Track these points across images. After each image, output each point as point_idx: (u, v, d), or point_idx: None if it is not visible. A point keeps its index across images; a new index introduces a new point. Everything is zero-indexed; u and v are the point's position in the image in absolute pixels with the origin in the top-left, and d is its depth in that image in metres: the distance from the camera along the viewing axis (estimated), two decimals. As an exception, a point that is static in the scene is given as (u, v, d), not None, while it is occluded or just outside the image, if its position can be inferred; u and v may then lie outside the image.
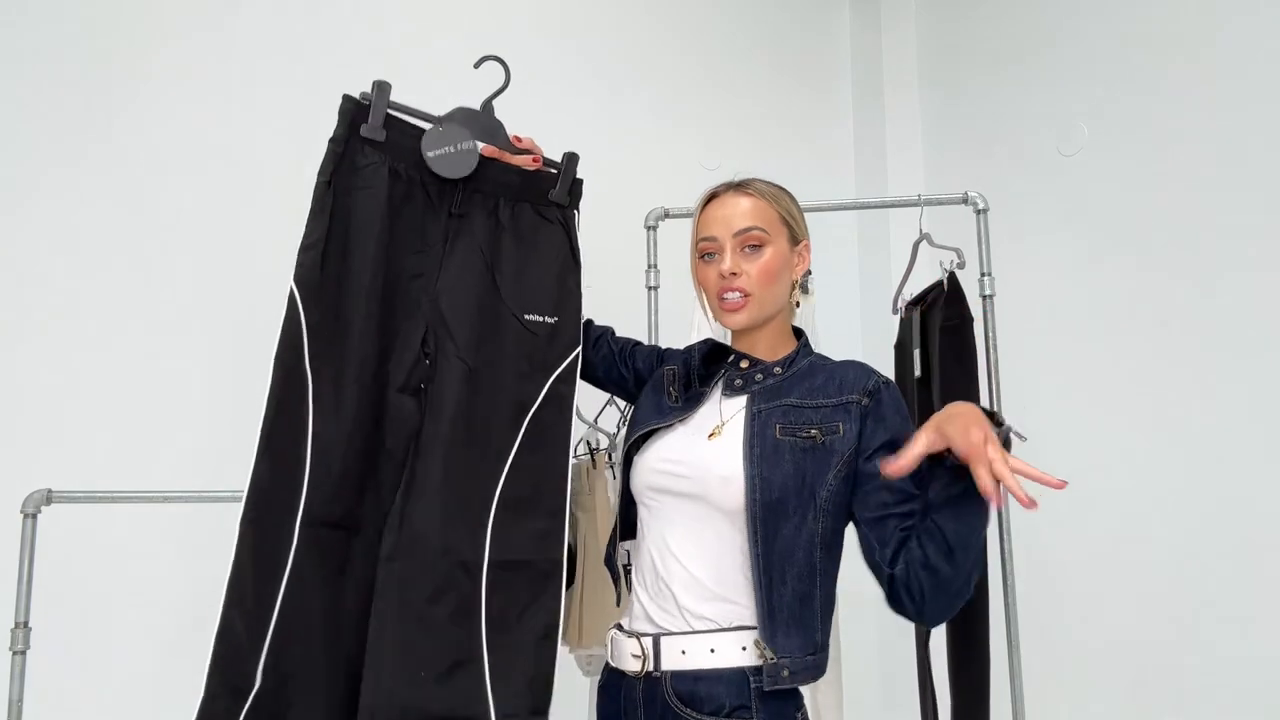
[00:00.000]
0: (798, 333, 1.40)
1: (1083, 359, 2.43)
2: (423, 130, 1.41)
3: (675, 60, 2.92)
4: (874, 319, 2.14)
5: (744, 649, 1.20)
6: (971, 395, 1.76)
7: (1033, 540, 2.17)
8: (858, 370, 1.29)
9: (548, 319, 1.40)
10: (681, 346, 1.52)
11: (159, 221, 2.26)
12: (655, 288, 1.97)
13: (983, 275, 1.84)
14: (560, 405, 1.39)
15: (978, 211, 1.87)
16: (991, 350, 1.80)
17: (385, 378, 1.31)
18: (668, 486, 1.28)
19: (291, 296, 1.30)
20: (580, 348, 1.43)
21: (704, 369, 1.42)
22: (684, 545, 1.25)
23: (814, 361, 1.34)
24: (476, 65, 1.50)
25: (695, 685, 1.20)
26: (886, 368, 2.03)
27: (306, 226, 1.33)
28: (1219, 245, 2.12)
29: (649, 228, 1.99)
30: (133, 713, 2.09)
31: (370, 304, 1.32)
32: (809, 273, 1.43)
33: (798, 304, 1.41)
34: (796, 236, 1.36)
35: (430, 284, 1.36)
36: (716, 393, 1.35)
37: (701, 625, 1.21)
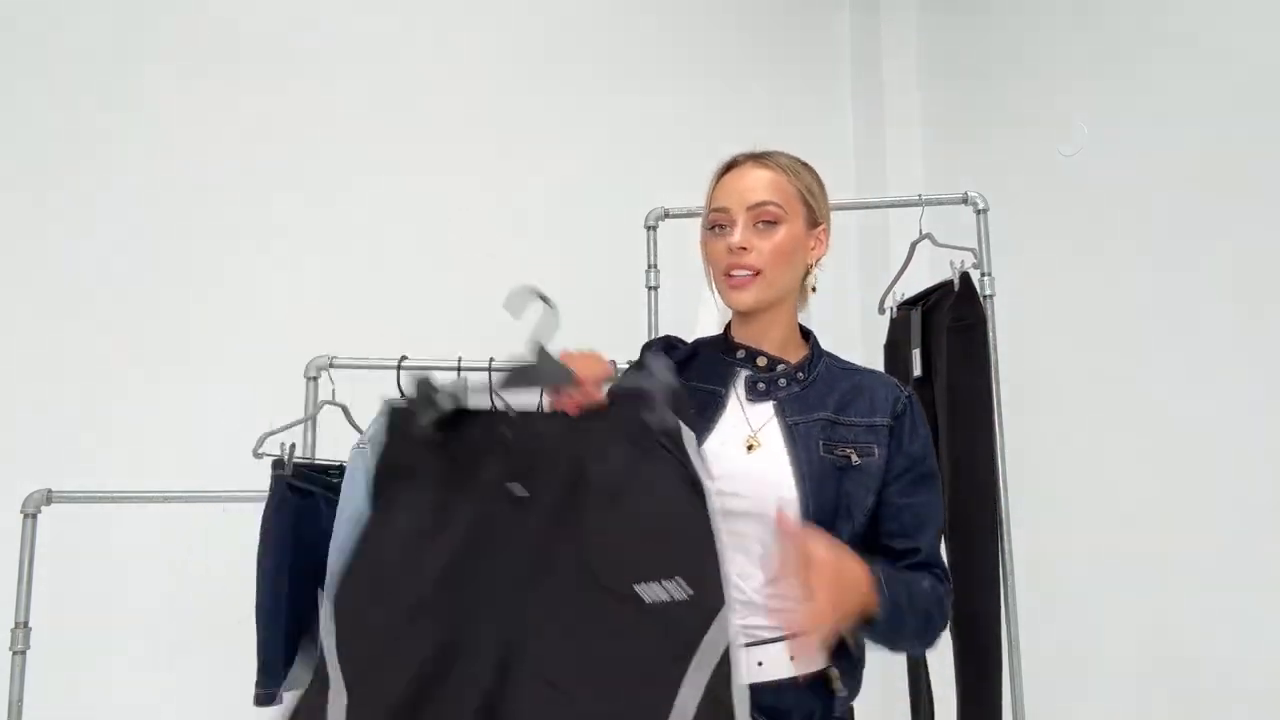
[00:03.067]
0: (805, 332, 1.32)
1: (1082, 358, 2.43)
2: (479, 412, 1.12)
3: (675, 59, 2.92)
4: (873, 319, 2.14)
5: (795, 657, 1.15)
6: (981, 394, 1.75)
7: (1033, 540, 2.17)
8: (885, 387, 1.24)
9: (666, 583, 0.98)
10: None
11: (161, 222, 2.26)
12: (655, 288, 1.97)
13: (983, 275, 1.84)
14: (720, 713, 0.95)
15: (978, 211, 1.87)
16: (992, 350, 1.80)
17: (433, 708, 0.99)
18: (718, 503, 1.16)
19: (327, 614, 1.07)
20: (725, 606, 0.99)
21: (701, 366, 1.29)
22: (735, 556, 1.14)
23: (831, 365, 1.27)
24: (513, 312, 1.09)
25: (779, 696, 1.13)
26: (877, 367, 2.03)
27: (355, 544, 1.10)
28: (1220, 244, 2.12)
29: (649, 228, 1.99)
30: (132, 712, 2.09)
31: (420, 621, 1.02)
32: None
33: (814, 289, 1.30)
34: (815, 218, 1.26)
35: (502, 586, 1.03)
36: (733, 395, 1.25)
37: (767, 634, 1.15)
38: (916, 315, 1.89)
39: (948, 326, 1.79)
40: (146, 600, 2.12)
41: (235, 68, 2.37)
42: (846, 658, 1.18)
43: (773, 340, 1.27)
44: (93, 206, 2.21)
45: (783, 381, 1.24)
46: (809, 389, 1.23)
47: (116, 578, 2.10)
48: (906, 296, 1.98)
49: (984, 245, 1.86)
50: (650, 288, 1.97)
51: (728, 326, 1.33)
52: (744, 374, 1.26)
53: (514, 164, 2.63)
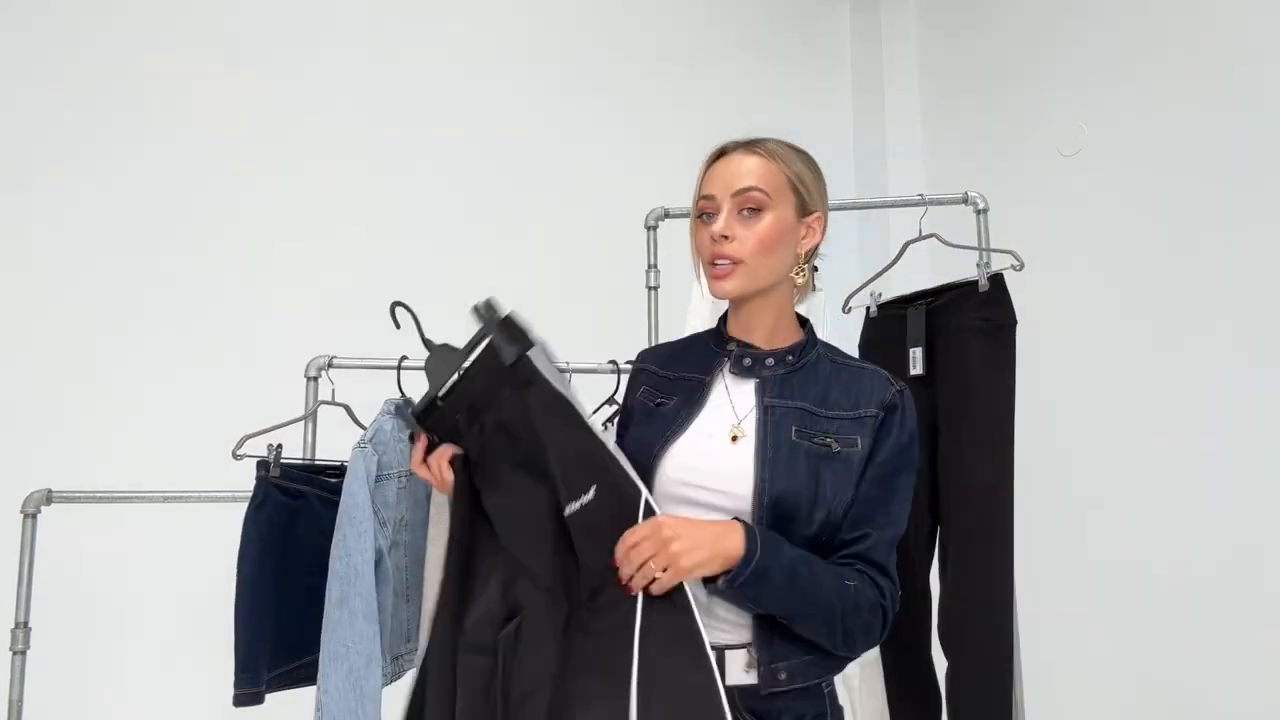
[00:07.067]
0: (802, 321, 1.27)
1: (1082, 358, 2.43)
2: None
3: (675, 60, 2.92)
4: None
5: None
6: (1005, 399, 1.73)
7: (1034, 542, 2.17)
8: (876, 379, 1.20)
9: (585, 498, 1.11)
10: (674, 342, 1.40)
11: (161, 222, 2.26)
12: (655, 288, 1.97)
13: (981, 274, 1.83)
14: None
15: (978, 211, 1.87)
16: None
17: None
18: (690, 498, 1.16)
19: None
20: (644, 494, 1.12)
21: (690, 358, 1.28)
22: None
23: (824, 355, 1.23)
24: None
25: (772, 700, 1.12)
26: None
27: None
28: (1220, 244, 2.12)
29: (649, 228, 1.99)
30: (132, 712, 2.09)
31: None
32: (815, 268, 1.30)
33: (812, 284, 1.28)
34: (807, 206, 1.21)
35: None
36: (720, 379, 1.23)
37: (725, 640, 1.13)
38: (918, 313, 1.88)
39: (974, 328, 1.76)
40: (146, 600, 2.11)
41: (234, 68, 2.37)
42: (765, 637, 1.13)
43: (762, 329, 1.23)
44: (91, 207, 2.20)
45: (770, 361, 1.21)
46: (795, 374, 1.21)
47: (116, 578, 2.09)
48: (885, 297, 1.96)
49: (984, 245, 1.86)
50: (650, 288, 1.97)
51: (722, 319, 1.30)
52: (730, 354, 1.24)
53: (514, 164, 2.63)
